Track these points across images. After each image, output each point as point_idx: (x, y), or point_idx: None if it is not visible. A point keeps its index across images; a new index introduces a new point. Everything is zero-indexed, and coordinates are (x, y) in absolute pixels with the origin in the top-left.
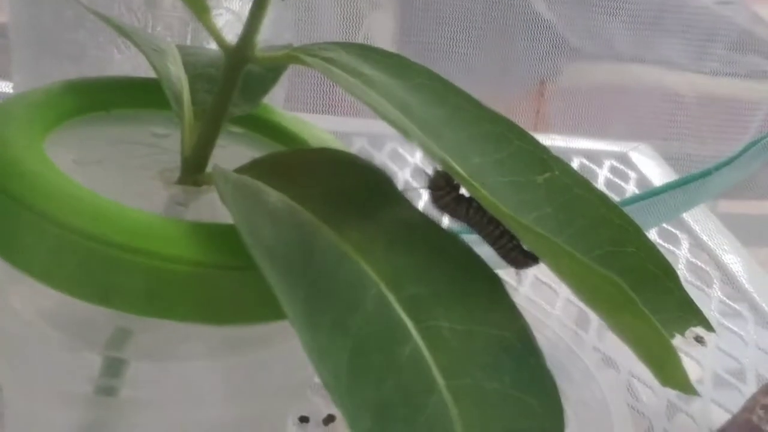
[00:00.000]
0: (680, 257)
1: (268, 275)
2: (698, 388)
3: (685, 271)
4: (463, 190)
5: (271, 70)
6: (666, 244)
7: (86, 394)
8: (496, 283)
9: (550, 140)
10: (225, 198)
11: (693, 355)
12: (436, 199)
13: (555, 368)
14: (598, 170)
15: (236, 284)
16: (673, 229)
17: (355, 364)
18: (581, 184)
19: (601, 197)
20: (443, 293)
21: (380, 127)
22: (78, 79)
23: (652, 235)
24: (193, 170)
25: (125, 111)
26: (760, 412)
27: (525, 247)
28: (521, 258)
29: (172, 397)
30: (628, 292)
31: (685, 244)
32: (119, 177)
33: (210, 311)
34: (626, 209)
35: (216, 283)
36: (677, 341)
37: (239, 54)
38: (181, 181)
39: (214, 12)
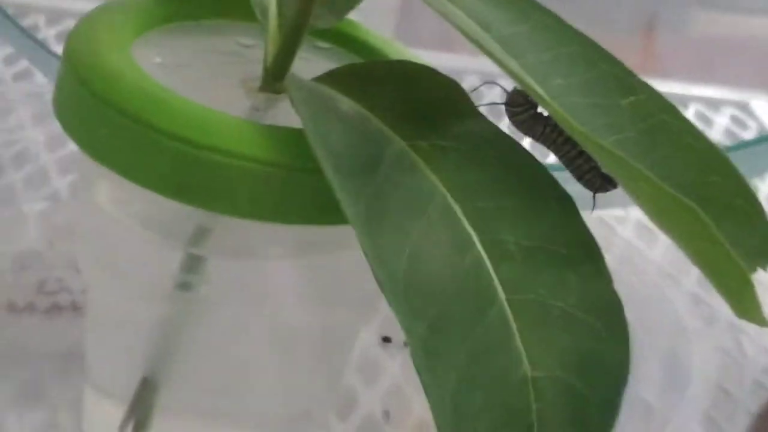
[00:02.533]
0: None
1: (332, 177)
2: None
3: None
4: (541, 109)
5: None
6: None
7: (166, 289)
8: (568, 203)
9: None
10: (296, 103)
11: None
12: (513, 116)
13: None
14: (715, 118)
15: (306, 186)
16: None
17: (413, 269)
18: (668, 110)
19: (689, 125)
20: (511, 209)
21: (493, 66)
22: None
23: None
24: (274, 79)
25: (214, 21)
26: None
27: (603, 170)
28: (598, 180)
29: (247, 295)
30: (703, 217)
31: None
32: (201, 81)
33: (279, 210)
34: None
35: (286, 183)
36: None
37: None
38: (262, 89)
39: None
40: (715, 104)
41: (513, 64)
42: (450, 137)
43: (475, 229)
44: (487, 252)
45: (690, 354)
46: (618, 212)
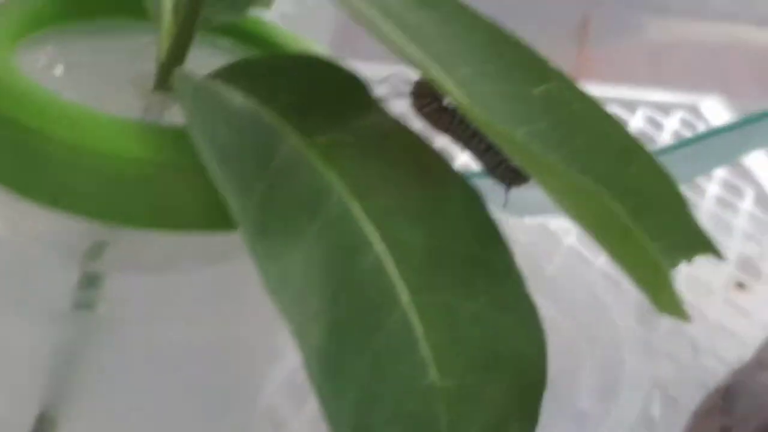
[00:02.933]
0: (741, 210)
1: (218, 176)
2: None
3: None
4: (449, 101)
5: None
6: (728, 196)
7: (64, 309)
8: (476, 199)
9: (601, 89)
10: (181, 98)
11: (739, 305)
12: (419, 108)
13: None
14: (664, 121)
15: (192, 187)
16: (736, 180)
17: (308, 273)
18: (583, 99)
19: (604, 114)
20: (414, 206)
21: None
22: None
23: (714, 186)
24: (167, 77)
25: (110, 20)
26: None
27: (513, 162)
28: (509, 174)
29: (148, 312)
30: (612, 206)
31: (749, 196)
32: (91, 82)
33: (163, 215)
34: (680, 152)
35: (169, 184)
36: (720, 293)
37: None
38: (157, 87)
39: None
40: (664, 108)
41: (416, 52)
42: (349, 132)
43: (376, 228)
44: (389, 252)
45: (629, 360)
46: (563, 221)
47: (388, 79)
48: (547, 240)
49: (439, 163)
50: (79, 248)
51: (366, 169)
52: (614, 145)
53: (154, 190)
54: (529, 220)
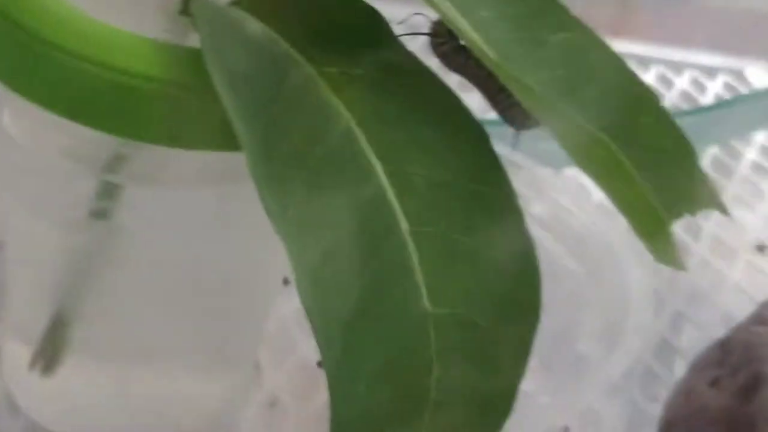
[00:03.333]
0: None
1: (226, 99)
2: None
3: None
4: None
5: None
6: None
7: (81, 217)
8: (483, 139)
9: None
10: (197, 22)
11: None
12: (435, 47)
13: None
14: (709, 84)
15: (207, 107)
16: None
17: (308, 198)
18: (601, 48)
19: (621, 65)
20: (420, 140)
21: None
22: None
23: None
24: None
25: None
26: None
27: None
28: (520, 116)
29: (164, 224)
30: (616, 153)
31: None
32: (116, 3)
33: (179, 134)
34: (719, 113)
35: (187, 104)
36: (742, 255)
37: None
38: (180, 11)
39: None
40: (709, 71)
41: None
42: (363, 65)
43: (380, 159)
44: (390, 183)
45: (632, 305)
46: None
47: (408, 19)
48: (576, 193)
49: (450, 100)
50: (97, 159)
51: (377, 101)
52: (628, 96)
53: (170, 109)
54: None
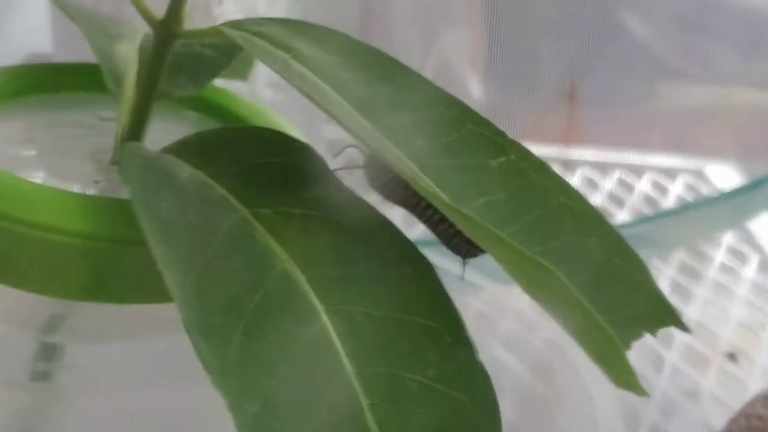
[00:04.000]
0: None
1: (156, 249)
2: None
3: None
4: None
5: (224, 54)
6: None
7: (22, 380)
8: (426, 268)
9: (596, 154)
10: (126, 172)
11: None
12: (372, 180)
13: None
14: (670, 186)
15: (136, 260)
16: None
17: (247, 347)
18: (539, 168)
19: (561, 184)
20: (361, 276)
21: None
22: (32, 63)
23: (720, 253)
24: None
25: (74, 94)
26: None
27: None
28: (464, 245)
29: (107, 380)
30: (559, 278)
31: (753, 262)
32: (46, 156)
33: (109, 289)
34: (686, 215)
35: (112, 258)
36: (715, 365)
37: (165, 29)
38: (114, 161)
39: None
40: (668, 172)
41: (363, 126)
42: (298, 203)
43: (320, 300)
44: (333, 323)
45: (600, 427)
46: None
47: (342, 151)
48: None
49: (390, 232)
50: (34, 321)
51: (313, 239)
52: (572, 215)
53: (100, 264)
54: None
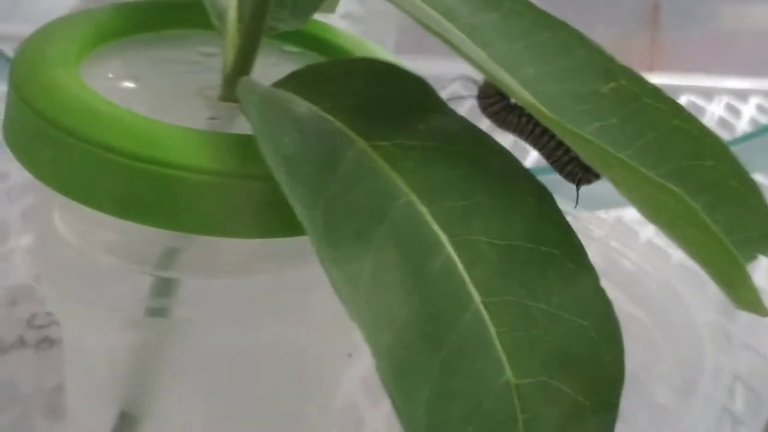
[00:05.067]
0: None
1: (284, 184)
2: None
3: None
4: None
5: None
6: None
7: (138, 316)
8: (547, 198)
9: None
10: (246, 108)
11: None
12: (485, 107)
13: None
14: (742, 108)
15: (260, 195)
16: None
17: (378, 277)
18: (652, 93)
19: (675, 107)
20: (483, 206)
21: None
22: (130, 1)
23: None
24: (233, 87)
25: (174, 31)
26: None
27: (583, 160)
28: (579, 172)
29: (222, 315)
30: (687, 201)
31: None
32: (157, 94)
33: (233, 224)
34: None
35: (237, 193)
36: None
37: None
38: (223, 97)
39: None
40: (741, 94)
41: (479, 54)
42: (415, 135)
43: (444, 230)
44: (458, 253)
45: (709, 353)
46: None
47: (456, 80)
48: (623, 233)
49: (508, 162)
50: (150, 255)
51: (433, 172)
52: (687, 138)
53: (222, 199)
54: (603, 214)
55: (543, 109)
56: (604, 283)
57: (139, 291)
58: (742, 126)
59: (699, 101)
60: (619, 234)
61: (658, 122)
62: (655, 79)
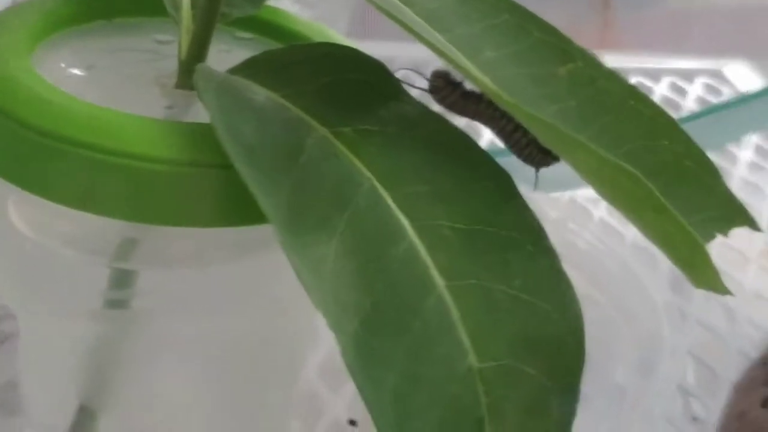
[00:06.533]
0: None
1: (245, 173)
2: None
3: None
4: (470, 86)
5: None
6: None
7: (96, 308)
8: (506, 181)
9: (623, 59)
10: (203, 96)
11: None
12: (441, 100)
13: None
14: (688, 88)
15: (219, 183)
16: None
17: (341, 265)
18: (608, 76)
19: (630, 89)
20: (445, 191)
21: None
22: None
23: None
24: (189, 74)
25: (128, 19)
26: None
27: (542, 143)
28: (538, 155)
29: (182, 305)
30: (645, 183)
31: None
32: (111, 83)
33: (192, 213)
34: (709, 119)
35: (196, 182)
36: (755, 261)
37: None
38: (179, 85)
39: None
40: (688, 75)
41: (438, 39)
42: (375, 121)
43: (407, 216)
44: (421, 239)
45: (666, 331)
46: (591, 193)
47: (398, 71)
48: (577, 213)
49: (468, 146)
50: (107, 246)
51: (395, 157)
52: (642, 119)
53: (181, 189)
54: (557, 194)
55: (502, 94)
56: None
57: (97, 282)
58: (689, 105)
59: (646, 81)
60: (573, 214)
61: (615, 104)
62: (607, 58)
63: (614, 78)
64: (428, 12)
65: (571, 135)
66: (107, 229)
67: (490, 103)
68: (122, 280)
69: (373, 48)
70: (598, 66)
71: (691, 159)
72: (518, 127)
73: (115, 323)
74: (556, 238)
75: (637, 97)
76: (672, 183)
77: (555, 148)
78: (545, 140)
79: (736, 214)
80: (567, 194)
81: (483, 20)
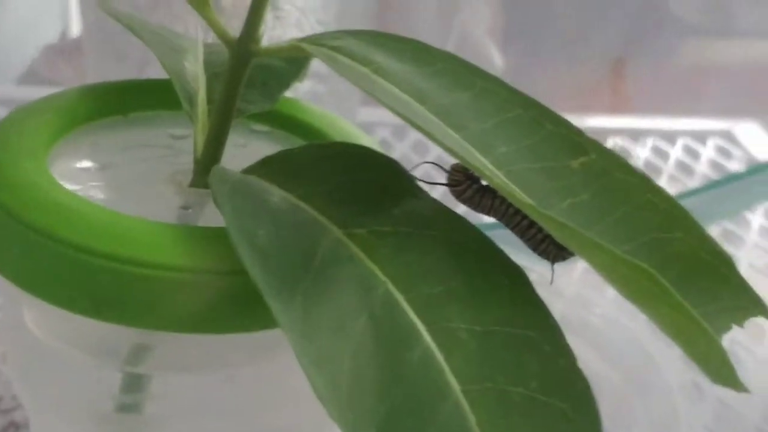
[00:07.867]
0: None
1: (259, 279)
2: None
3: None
4: (486, 181)
5: (292, 64)
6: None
7: (109, 412)
8: (521, 278)
9: (633, 121)
10: (218, 199)
11: None
12: (458, 195)
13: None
14: (701, 150)
15: (235, 290)
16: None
17: (357, 372)
18: (621, 167)
19: (644, 180)
20: (459, 291)
21: None
22: (97, 83)
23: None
24: (205, 172)
25: (143, 113)
26: None
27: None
28: (553, 250)
29: (195, 410)
30: (660, 280)
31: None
32: (127, 182)
33: (208, 320)
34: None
35: (212, 289)
36: None
37: (242, 47)
38: (194, 183)
39: (277, 12)
40: (700, 136)
41: (451, 138)
42: (389, 221)
43: (421, 319)
44: (436, 342)
45: (682, 408)
46: None
47: (416, 168)
48: (591, 286)
49: (481, 243)
50: (120, 352)
51: (408, 258)
52: (657, 211)
53: (196, 297)
54: (570, 264)
55: (516, 193)
56: (572, 339)
57: (109, 386)
58: (701, 168)
59: (662, 145)
60: (586, 287)
61: (628, 196)
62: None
63: (628, 169)
64: (442, 108)
65: (584, 234)
66: (120, 334)
67: (505, 200)
68: (134, 384)
69: (387, 116)
70: (611, 157)
71: (705, 250)
72: (533, 223)
73: (127, 428)
74: (568, 311)
75: (653, 189)
76: (687, 274)
77: (569, 245)
78: (560, 238)
79: (752, 305)
80: (581, 265)
81: (496, 115)
